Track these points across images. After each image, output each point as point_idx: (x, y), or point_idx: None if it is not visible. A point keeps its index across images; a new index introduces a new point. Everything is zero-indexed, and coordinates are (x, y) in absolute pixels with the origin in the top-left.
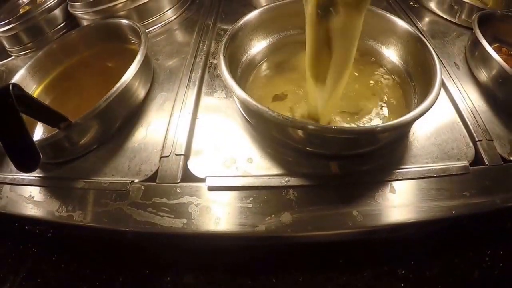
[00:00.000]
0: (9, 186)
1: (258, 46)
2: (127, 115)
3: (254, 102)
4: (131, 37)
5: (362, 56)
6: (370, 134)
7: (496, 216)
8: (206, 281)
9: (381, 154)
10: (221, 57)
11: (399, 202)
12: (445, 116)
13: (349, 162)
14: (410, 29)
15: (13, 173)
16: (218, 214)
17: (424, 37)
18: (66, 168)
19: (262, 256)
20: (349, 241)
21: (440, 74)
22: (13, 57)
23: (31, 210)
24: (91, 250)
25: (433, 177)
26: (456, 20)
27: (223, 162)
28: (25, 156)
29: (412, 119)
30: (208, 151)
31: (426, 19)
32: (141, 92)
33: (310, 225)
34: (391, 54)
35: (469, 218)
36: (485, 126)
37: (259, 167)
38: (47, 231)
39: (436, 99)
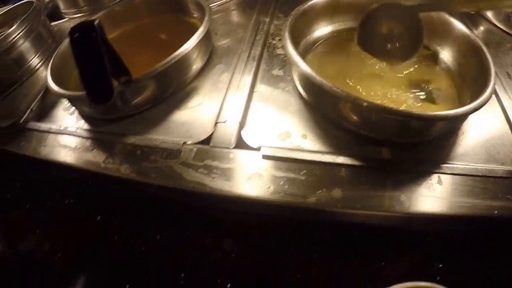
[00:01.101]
0: (56, 135)
1: (320, 31)
2: (183, 81)
3: (318, 77)
4: (193, 11)
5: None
6: (427, 119)
7: None
8: (246, 247)
9: (431, 147)
10: (286, 34)
11: (445, 194)
12: (494, 122)
13: (400, 150)
14: (468, 32)
15: (60, 124)
16: (270, 182)
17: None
18: (116, 125)
19: (304, 231)
20: (393, 226)
21: (494, 77)
22: (66, 19)
23: (76, 160)
24: (131, 206)
25: (479, 176)
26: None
27: (277, 135)
28: (101, 89)
29: (468, 111)
30: (262, 123)
31: (481, 27)
32: (199, 63)
33: (359, 203)
34: (446, 55)
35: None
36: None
37: (312, 144)
38: (88, 183)
39: (491, 95)
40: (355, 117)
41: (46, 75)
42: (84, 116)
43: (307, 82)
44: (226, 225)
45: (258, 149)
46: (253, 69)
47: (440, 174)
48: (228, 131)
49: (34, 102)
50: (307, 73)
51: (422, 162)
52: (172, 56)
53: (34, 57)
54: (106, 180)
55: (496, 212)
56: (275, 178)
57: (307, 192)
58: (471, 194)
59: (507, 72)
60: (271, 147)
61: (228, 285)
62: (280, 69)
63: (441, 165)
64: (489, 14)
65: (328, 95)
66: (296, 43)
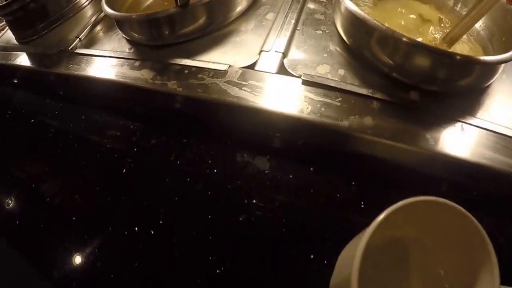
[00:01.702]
0: (104, 58)
1: None
2: (230, 17)
3: (360, 11)
4: None
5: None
6: (462, 61)
7: None
8: (276, 166)
9: (459, 98)
10: None
11: (468, 142)
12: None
13: (429, 96)
14: None
15: (109, 49)
16: (309, 104)
17: None
18: (164, 51)
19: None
20: (414, 163)
21: None
22: None
23: (124, 77)
24: (179, 122)
25: (502, 134)
26: None
27: (316, 66)
28: None
29: (501, 60)
30: (304, 56)
31: None
32: (244, 2)
33: (387, 133)
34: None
35: None
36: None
37: (348, 78)
38: (138, 102)
39: None
40: (390, 58)
41: (92, 13)
42: (132, 42)
43: (348, 19)
44: (261, 144)
45: (299, 76)
46: (297, 11)
47: (464, 124)
48: (272, 59)
49: (83, 33)
50: (350, 8)
51: (448, 108)
52: None
53: None
54: (153, 96)
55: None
56: (313, 101)
57: (342, 116)
58: (492, 148)
59: None
60: (310, 74)
61: (253, 201)
62: (321, 14)
63: (467, 116)
64: None
65: (367, 29)
66: None
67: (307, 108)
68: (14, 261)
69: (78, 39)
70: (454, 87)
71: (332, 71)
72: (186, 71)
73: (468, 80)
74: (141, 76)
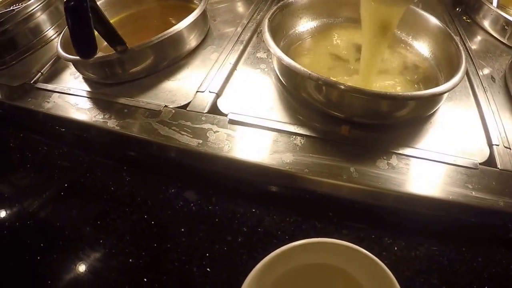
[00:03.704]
0: (60, 94)
1: (304, 25)
2: (177, 56)
3: (285, 57)
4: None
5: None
6: (389, 98)
7: (493, 217)
8: (205, 199)
9: (395, 130)
10: (266, 21)
11: (400, 173)
12: (468, 117)
13: (361, 129)
14: (440, 24)
15: (65, 86)
16: (231, 143)
17: (454, 34)
18: (113, 88)
19: (261, 189)
20: (339, 196)
21: (465, 62)
22: None
23: (72, 114)
24: (121, 155)
25: (440, 162)
26: (505, 41)
27: (247, 106)
28: (86, 46)
29: (431, 95)
30: (237, 96)
31: (476, 35)
32: (193, 42)
33: (307, 168)
34: (421, 46)
35: (465, 209)
36: (506, 134)
37: (277, 115)
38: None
39: (460, 81)
40: (321, 96)
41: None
42: (87, 80)
43: (279, 62)
44: (191, 179)
45: (226, 115)
46: (239, 51)
47: (397, 155)
48: (205, 99)
49: (45, 67)
50: (278, 54)
51: (380, 141)
52: (166, 31)
53: (50, 29)
54: (96, 131)
55: (451, 197)
56: (236, 139)
57: (262, 154)
58: (428, 177)
59: (492, 76)
60: (238, 114)
61: (182, 229)
62: (264, 53)
63: (401, 147)
64: (485, 23)
65: (295, 74)
66: (281, 34)
67: (229, 147)
68: None
69: (40, 73)
70: (391, 120)
71: (262, 108)
72: (126, 110)
73: (402, 113)
74: (87, 113)
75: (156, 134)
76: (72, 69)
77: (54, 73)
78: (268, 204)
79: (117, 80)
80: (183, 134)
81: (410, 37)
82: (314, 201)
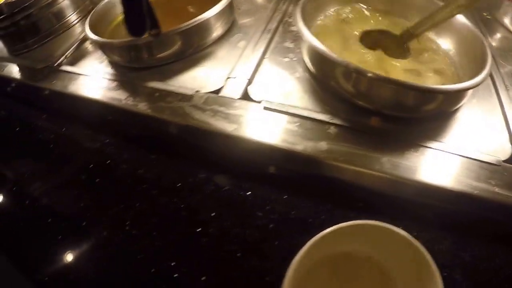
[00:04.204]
0: (85, 77)
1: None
2: (204, 43)
3: (321, 45)
4: None
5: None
6: (420, 90)
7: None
8: (236, 184)
9: (424, 123)
10: (299, 9)
11: (428, 166)
12: (490, 114)
13: (390, 121)
14: (464, 19)
15: (91, 69)
16: (267, 128)
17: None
18: (140, 73)
19: (293, 176)
20: (371, 186)
21: (491, 58)
22: None
23: (100, 96)
24: (149, 139)
25: (464, 157)
26: None
27: (279, 93)
28: (138, 25)
29: (460, 88)
30: (268, 83)
31: (495, 32)
32: (219, 30)
33: (341, 157)
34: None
35: (489, 204)
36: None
37: (310, 105)
38: (113, 120)
39: (487, 76)
40: (352, 87)
41: (81, 31)
42: (113, 63)
43: (310, 51)
44: (222, 164)
45: (260, 102)
46: (267, 40)
47: (425, 148)
48: (237, 85)
49: (69, 51)
50: (312, 43)
51: (410, 134)
52: (195, 19)
53: (72, 14)
54: (126, 114)
55: (476, 192)
56: (272, 126)
57: (297, 141)
58: (454, 170)
59: None
60: (271, 101)
61: (213, 214)
62: (291, 42)
63: (430, 140)
64: (506, 20)
65: (329, 62)
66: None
67: (264, 133)
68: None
69: (64, 56)
70: (417, 113)
71: (295, 98)
72: (157, 94)
73: (432, 106)
74: (116, 96)
75: (190, 118)
76: (97, 53)
77: (78, 57)
78: (300, 192)
79: (144, 64)
80: (217, 119)
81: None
82: (345, 190)
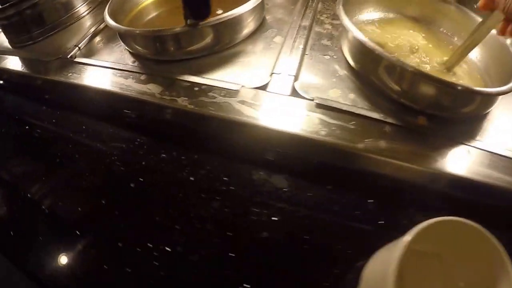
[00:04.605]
0: (107, 69)
1: (367, 15)
2: (236, 38)
3: (370, 41)
4: None
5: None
6: (467, 91)
7: None
8: (294, 185)
9: (461, 123)
10: (341, 6)
11: (472, 164)
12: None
13: (432, 120)
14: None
15: (112, 61)
16: (323, 126)
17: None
18: (169, 66)
19: (352, 175)
20: (426, 183)
21: None
22: None
23: (130, 91)
24: (189, 138)
25: (502, 156)
26: None
27: (327, 90)
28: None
29: (501, 92)
30: (314, 80)
31: None
32: (252, 25)
33: (401, 155)
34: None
35: None
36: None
37: (359, 102)
38: (144, 116)
39: None
40: (397, 85)
41: (92, 23)
42: (135, 55)
43: (355, 46)
44: (280, 162)
45: (312, 99)
46: (305, 36)
47: (469, 146)
48: (283, 81)
49: (83, 42)
50: (358, 37)
51: (454, 133)
52: (229, 13)
53: (82, 5)
54: (161, 111)
55: None
56: (327, 124)
57: (356, 139)
58: (496, 169)
59: None
60: (323, 97)
61: (273, 218)
62: (328, 40)
63: (471, 139)
64: None
65: (375, 57)
66: None
67: (322, 131)
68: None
69: (77, 47)
70: (457, 114)
71: (342, 95)
72: (196, 89)
73: (470, 108)
74: (148, 90)
75: (240, 114)
76: (114, 45)
77: (94, 49)
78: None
79: (171, 57)
80: (271, 117)
81: (455, 37)
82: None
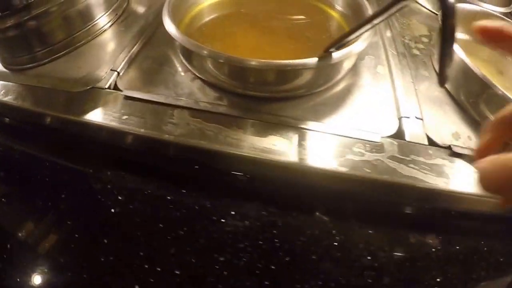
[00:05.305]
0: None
1: None
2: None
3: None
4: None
5: None
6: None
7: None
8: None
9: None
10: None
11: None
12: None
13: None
14: None
15: (180, 93)
16: (468, 178)
17: None
18: (266, 105)
19: None
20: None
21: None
22: None
23: (226, 148)
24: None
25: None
26: None
27: (451, 134)
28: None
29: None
30: (436, 121)
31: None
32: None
33: None
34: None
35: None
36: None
37: None
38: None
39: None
40: None
41: (123, 39)
42: (217, 87)
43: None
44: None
45: (449, 147)
46: (407, 66)
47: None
48: (414, 127)
49: (121, 66)
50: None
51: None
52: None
53: (103, 15)
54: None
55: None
56: (468, 174)
57: None
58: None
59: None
60: (457, 145)
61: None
62: (425, 70)
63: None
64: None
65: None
66: None
67: (470, 183)
68: None
69: (116, 73)
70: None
71: (463, 137)
72: (317, 137)
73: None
74: (273, 147)
75: (398, 175)
76: (170, 70)
77: (140, 77)
78: None
79: (263, 93)
80: (425, 173)
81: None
82: None
